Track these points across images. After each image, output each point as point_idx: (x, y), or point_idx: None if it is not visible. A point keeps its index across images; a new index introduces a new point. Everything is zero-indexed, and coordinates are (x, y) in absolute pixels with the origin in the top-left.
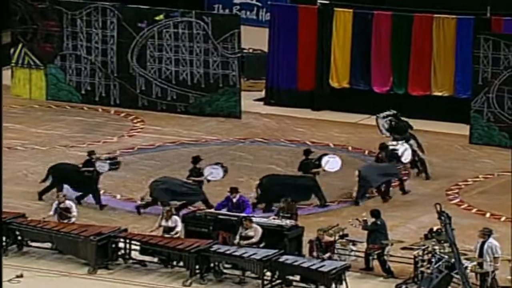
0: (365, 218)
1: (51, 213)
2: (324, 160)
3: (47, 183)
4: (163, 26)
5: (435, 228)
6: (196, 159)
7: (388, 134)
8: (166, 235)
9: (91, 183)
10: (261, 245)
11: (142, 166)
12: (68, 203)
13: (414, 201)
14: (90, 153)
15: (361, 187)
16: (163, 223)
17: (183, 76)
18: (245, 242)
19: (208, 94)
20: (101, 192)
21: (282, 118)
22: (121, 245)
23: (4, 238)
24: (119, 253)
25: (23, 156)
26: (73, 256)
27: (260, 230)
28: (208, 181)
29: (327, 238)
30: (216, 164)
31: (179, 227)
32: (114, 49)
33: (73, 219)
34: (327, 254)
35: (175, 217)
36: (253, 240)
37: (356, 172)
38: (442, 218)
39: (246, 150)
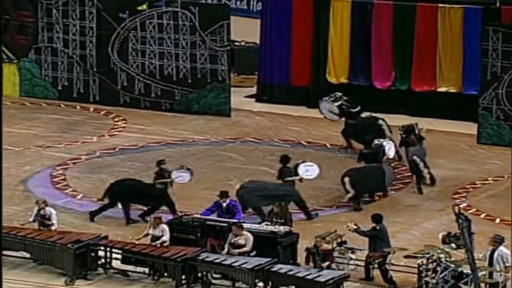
0: (355, 226)
1: (31, 219)
2: (301, 168)
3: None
4: (146, 17)
5: (453, 232)
6: (285, 159)
7: (336, 118)
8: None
9: (164, 195)
10: (253, 253)
11: (124, 168)
12: (48, 210)
13: (418, 206)
14: (160, 162)
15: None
16: (151, 231)
17: (168, 71)
18: (237, 251)
19: (195, 90)
20: (80, 196)
21: (275, 116)
22: (101, 253)
23: None
24: (99, 262)
25: None
26: (50, 265)
27: (251, 237)
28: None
29: (325, 246)
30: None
31: (166, 236)
32: (93, 41)
33: (53, 227)
34: (326, 263)
35: (163, 225)
36: (245, 249)
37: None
38: (460, 221)
39: (237, 151)
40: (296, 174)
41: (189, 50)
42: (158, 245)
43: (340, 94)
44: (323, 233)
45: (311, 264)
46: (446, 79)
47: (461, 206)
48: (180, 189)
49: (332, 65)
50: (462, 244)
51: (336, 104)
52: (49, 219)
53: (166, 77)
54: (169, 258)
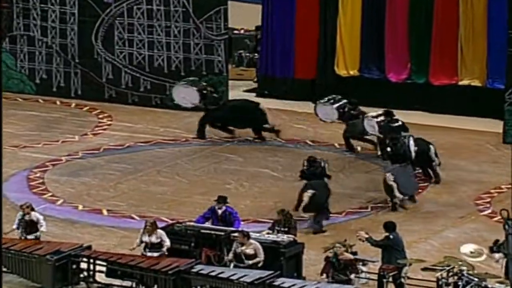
0: (366, 235)
1: (14, 226)
2: None
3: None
4: (134, 2)
5: (501, 240)
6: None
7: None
8: (149, 254)
9: None
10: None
11: (109, 170)
12: (35, 215)
13: (437, 213)
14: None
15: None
16: (146, 238)
17: (158, 62)
18: (250, 262)
19: None
20: (60, 201)
21: (277, 113)
22: (83, 265)
23: None
24: (81, 275)
25: None
26: (26, 279)
27: (259, 246)
28: None
29: (347, 255)
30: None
31: (168, 242)
32: (75, 29)
33: (40, 234)
34: (352, 275)
35: (159, 231)
36: (258, 259)
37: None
38: (507, 227)
39: (235, 151)
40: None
41: (182, 39)
42: (165, 252)
43: (339, 96)
44: (332, 243)
45: (324, 276)
46: (468, 71)
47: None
48: (171, 194)
49: (341, 55)
50: (508, 252)
51: (335, 106)
52: (36, 225)
53: (156, 69)
54: (160, 270)
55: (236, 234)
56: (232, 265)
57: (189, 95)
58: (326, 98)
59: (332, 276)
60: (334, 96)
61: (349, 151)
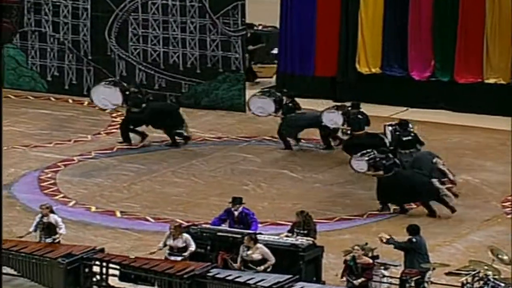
0: (387, 237)
1: (32, 229)
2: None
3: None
4: None
5: None
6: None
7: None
8: (173, 258)
9: None
10: (269, 269)
11: (123, 171)
12: (53, 217)
13: (462, 215)
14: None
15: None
16: (170, 242)
17: (173, 59)
18: (262, 267)
19: (205, 82)
20: (72, 203)
21: None
22: (96, 269)
23: None
24: (94, 279)
25: None
26: (37, 283)
27: (267, 250)
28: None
29: (365, 259)
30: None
31: (193, 246)
32: (87, 25)
33: (59, 237)
34: (360, 280)
35: (185, 235)
36: (269, 263)
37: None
38: None
39: (252, 151)
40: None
41: (198, 35)
42: (186, 258)
43: (273, 90)
44: (352, 246)
45: (344, 279)
46: (494, 69)
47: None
48: (186, 195)
49: (363, 52)
50: None
51: (272, 98)
52: (55, 227)
53: (171, 66)
54: (175, 274)
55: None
56: (236, 266)
57: (110, 96)
58: (261, 91)
59: (347, 280)
60: (268, 89)
61: (286, 147)
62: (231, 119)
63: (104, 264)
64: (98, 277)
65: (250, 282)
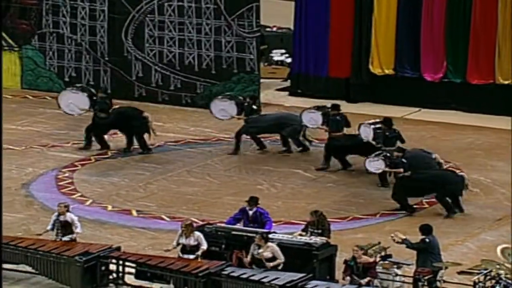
0: (403, 236)
1: (49, 227)
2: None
3: None
4: None
5: None
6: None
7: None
8: (185, 256)
9: None
10: (279, 267)
11: (139, 170)
12: (70, 215)
13: (474, 215)
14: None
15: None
16: (183, 240)
17: (189, 60)
18: (271, 264)
19: (220, 83)
20: (89, 202)
21: None
22: (112, 267)
23: None
24: (110, 277)
25: None
26: (54, 280)
27: (277, 248)
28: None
29: (365, 258)
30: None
31: (205, 245)
32: (104, 26)
33: (75, 236)
34: (366, 279)
35: (197, 233)
36: (279, 261)
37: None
38: None
39: (267, 151)
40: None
41: (213, 37)
42: (199, 255)
43: (233, 94)
44: (366, 245)
45: (348, 278)
46: (506, 70)
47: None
48: (202, 194)
49: (376, 53)
50: None
51: (234, 101)
52: (71, 227)
53: (186, 67)
54: (190, 272)
55: (271, 236)
56: (246, 262)
57: (78, 101)
58: (222, 95)
59: (351, 280)
60: (229, 93)
61: (259, 148)
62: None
63: (121, 262)
64: (114, 275)
65: (264, 280)
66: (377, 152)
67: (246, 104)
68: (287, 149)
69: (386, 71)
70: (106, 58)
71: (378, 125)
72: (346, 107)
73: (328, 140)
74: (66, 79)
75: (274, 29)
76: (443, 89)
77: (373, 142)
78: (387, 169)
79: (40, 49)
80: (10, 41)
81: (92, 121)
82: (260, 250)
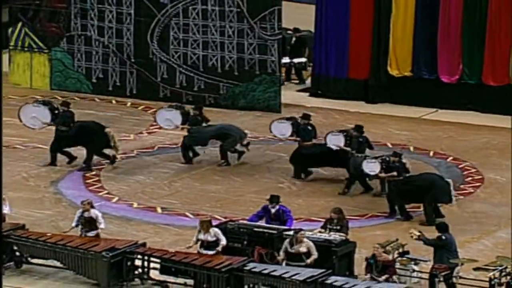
0: (418, 233)
1: (74, 224)
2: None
3: None
4: (189, 3)
5: None
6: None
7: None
8: (205, 252)
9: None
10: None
11: (164, 169)
12: (94, 212)
13: (489, 213)
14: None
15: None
16: (201, 236)
17: (212, 62)
18: (308, 261)
19: (242, 84)
20: (115, 199)
21: (330, 112)
22: (138, 262)
23: None
24: (136, 272)
25: (22, 157)
26: (82, 275)
27: (312, 244)
28: None
29: (385, 256)
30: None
31: (224, 240)
32: (131, 29)
33: (99, 231)
34: (384, 276)
35: (215, 229)
36: (313, 257)
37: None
38: None
39: (287, 151)
40: None
41: (236, 39)
42: (219, 250)
43: (179, 104)
44: (384, 242)
45: (368, 276)
46: None
47: None
48: (225, 192)
49: (394, 56)
50: None
51: (179, 111)
52: (95, 222)
53: (210, 69)
54: (213, 268)
55: (288, 233)
56: (284, 263)
57: (40, 114)
58: (168, 105)
59: (371, 277)
60: (176, 103)
61: (186, 161)
62: (267, 119)
63: (146, 258)
64: (140, 270)
65: (285, 275)
66: (376, 155)
67: (191, 114)
68: (225, 161)
69: (404, 73)
70: (132, 60)
71: (345, 133)
72: (365, 108)
73: (297, 149)
74: (94, 80)
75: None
76: (460, 91)
77: (347, 149)
78: (382, 174)
79: (69, 51)
80: (40, 43)
81: (55, 136)
82: (296, 246)
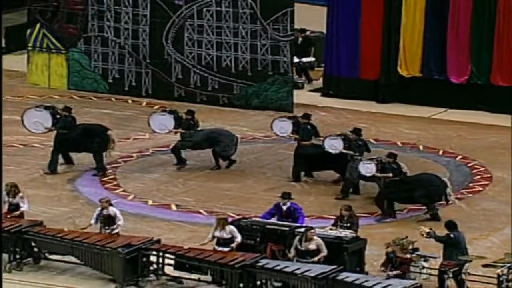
0: (427, 230)
1: (92, 221)
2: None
3: None
4: (203, 4)
5: None
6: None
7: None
8: (220, 249)
9: None
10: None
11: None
12: (112, 209)
13: (497, 210)
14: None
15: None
16: (217, 233)
17: (226, 62)
18: (316, 258)
19: (255, 84)
20: (131, 196)
21: (341, 112)
22: (153, 258)
23: (18, 250)
24: (151, 268)
25: (40, 155)
26: (98, 271)
27: (321, 241)
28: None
29: (404, 255)
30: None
31: (239, 237)
32: (146, 30)
33: (117, 229)
34: (394, 272)
35: (231, 226)
36: (322, 254)
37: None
38: None
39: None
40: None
41: (249, 40)
42: (233, 248)
43: (173, 109)
44: (394, 239)
45: (382, 269)
46: None
47: None
48: (238, 190)
49: (404, 56)
50: None
51: (172, 115)
52: (114, 220)
53: (224, 69)
54: (227, 264)
55: (299, 230)
56: (294, 260)
57: (42, 118)
58: (161, 109)
59: (384, 271)
60: (169, 108)
61: (179, 164)
62: None
63: (161, 254)
64: (155, 266)
65: (297, 272)
66: (372, 157)
67: (183, 118)
68: (216, 165)
69: (414, 73)
70: (148, 61)
71: (343, 136)
72: (375, 108)
73: (297, 148)
74: (110, 80)
75: (307, 33)
76: (468, 91)
77: (350, 152)
78: (377, 173)
79: (86, 52)
80: (57, 43)
81: (55, 141)
82: (306, 243)
